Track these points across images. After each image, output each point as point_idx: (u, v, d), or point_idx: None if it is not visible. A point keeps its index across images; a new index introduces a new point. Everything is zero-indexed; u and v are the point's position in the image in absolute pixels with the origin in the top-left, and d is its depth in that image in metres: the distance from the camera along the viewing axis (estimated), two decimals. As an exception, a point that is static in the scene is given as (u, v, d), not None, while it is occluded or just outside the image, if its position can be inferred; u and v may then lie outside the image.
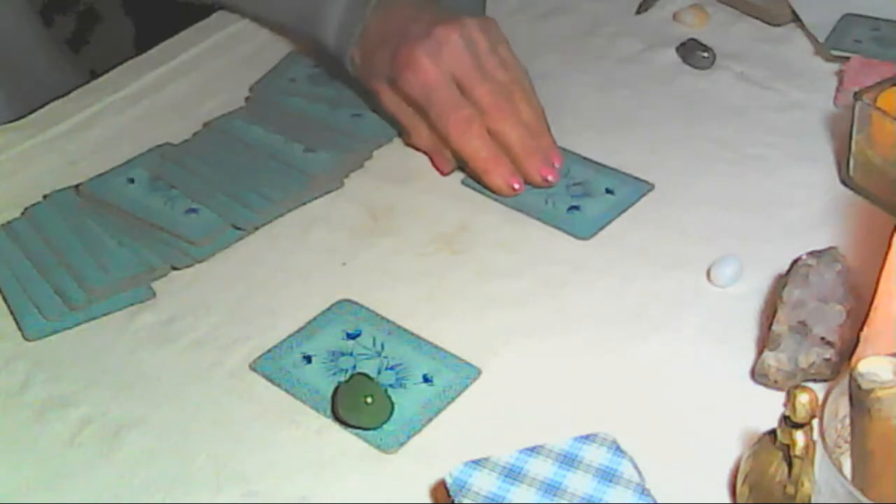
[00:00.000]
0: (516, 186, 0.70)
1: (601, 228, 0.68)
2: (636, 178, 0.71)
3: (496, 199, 0.71)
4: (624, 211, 0.69)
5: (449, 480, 0.49)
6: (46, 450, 0.56)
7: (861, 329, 0.52)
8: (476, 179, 0.71)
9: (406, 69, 0.71)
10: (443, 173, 0.73)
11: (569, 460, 0.49)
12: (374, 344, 0.60)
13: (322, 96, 0.80)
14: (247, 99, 0.81)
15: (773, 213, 0.68)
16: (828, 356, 0.55)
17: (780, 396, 0.46)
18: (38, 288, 0.65)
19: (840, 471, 0.38)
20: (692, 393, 0.56)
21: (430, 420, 0.55)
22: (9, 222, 0.70)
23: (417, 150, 0.75)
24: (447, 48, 0.70)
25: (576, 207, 0.69)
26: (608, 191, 0.70)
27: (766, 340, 0.56)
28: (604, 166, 0.72)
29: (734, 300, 0.61)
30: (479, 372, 0.58)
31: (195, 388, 0.59)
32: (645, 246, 0.66)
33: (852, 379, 0.40)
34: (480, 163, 0.70)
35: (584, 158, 0.73)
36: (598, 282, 0.64)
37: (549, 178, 0.70)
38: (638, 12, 0.90)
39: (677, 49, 0.84)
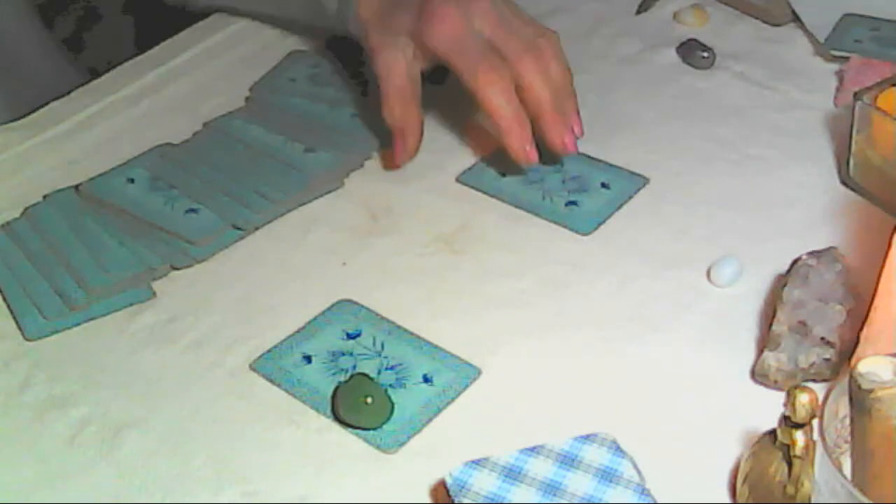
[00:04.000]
0: (531, 157, 0.68)
1: (601, 223, 0.68)
2: (630, 171, 0.71)
3: (496, 198, 0.71)
4: (622, 205, 0.69)
5: (449, 480, 0.49)
6: (46, 450, 0.56)
7: (861, 329, 0.52)
8: (495, 134, 0.70)
9: (435, 23, 0.69)
10: (395, 164, 0.72)
11: (569, 460, 0.49)
12: (374, 344, 0.60)
13: (322, 96, 0.80)
14: (247, 99, 0.81)
15: (773, 213, 0.68)
16: (828, 356, 0.55)
17: (780, 396, 0.46)
18: (38, 288, 0.65)
19: (840, 471, 0.38)
20: (692, 393, 0.56)
21: (430, 420, 0.55)
22: (9, 222, 0.70)
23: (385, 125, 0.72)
24: (475, 6, 0.69)
25: (573, 203, 0.69)
26: (604, 185, 0.70)
27: (766, 340, 0.56)
28: (597, 160, 0.72)
29: (734, 300, 0.61)
30: (479, 372, 0.58)
31: (195, 388, 0.59)
32: (645, 246, 0.66)
33: (852, 379, 0.40)
34: (504, 121, 0.68)
35: (578, 154, 0.72)
36: (598, 281, 0.64)
37: (569, 145, 0.69)
38: (638, 12, 0.90)
39: (677, 49, 0.84)
